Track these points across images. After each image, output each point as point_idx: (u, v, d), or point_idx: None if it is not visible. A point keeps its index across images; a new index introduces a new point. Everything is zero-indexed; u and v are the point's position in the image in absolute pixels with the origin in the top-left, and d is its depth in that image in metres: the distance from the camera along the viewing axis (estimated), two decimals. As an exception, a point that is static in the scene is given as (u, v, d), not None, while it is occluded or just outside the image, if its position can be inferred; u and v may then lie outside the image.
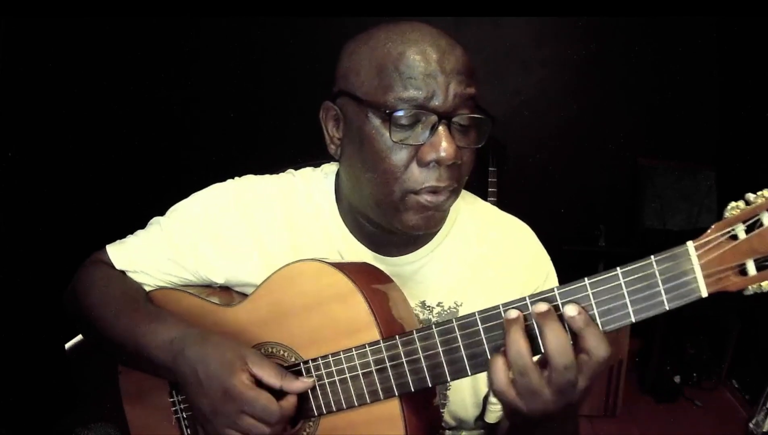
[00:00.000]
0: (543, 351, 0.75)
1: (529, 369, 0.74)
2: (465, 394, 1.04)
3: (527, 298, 0.77)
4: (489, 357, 0.79)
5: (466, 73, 0.89)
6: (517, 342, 0.75)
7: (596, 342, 0.73)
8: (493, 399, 1.04)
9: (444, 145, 0.86)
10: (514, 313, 0.76)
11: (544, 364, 0.75)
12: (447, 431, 1.09)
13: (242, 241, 1.04)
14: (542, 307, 0.74)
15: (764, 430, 2.47)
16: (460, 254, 1.05)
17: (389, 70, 0.88)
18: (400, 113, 0.87)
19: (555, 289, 0.77)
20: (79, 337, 1.21)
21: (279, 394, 0.88)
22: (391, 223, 0.94)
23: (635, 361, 2.99)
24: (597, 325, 0.75)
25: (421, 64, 0.87)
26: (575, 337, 0.75)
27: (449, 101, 0.87)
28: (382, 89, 0.88)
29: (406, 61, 0.87)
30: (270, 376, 0.87)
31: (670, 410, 2.86)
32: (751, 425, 2.56)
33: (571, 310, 0.74)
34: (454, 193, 0.93)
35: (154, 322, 0.97)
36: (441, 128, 0.87)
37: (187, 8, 2.68)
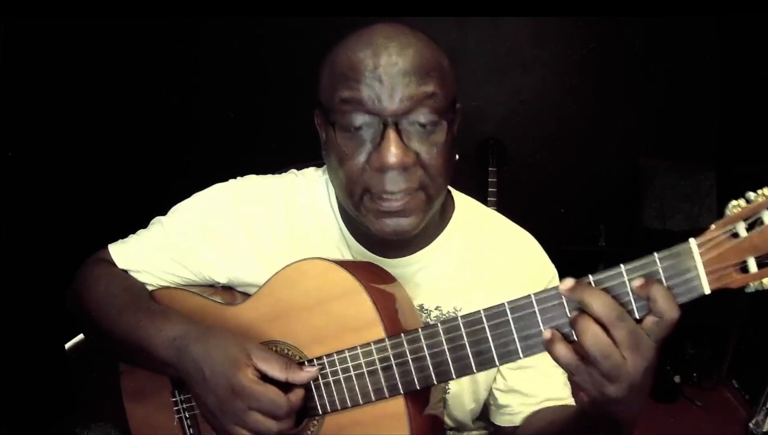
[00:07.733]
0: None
1: (611, 348, 0.70)
2: (464, 399, 1.04)
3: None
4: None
5: (418, 73, 0.86)
6: (591, 328, 0.71)
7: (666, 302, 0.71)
8: (503, 402, 1.04)
9: (391, 151, 0.84)
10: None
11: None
12: (448, 432, 1.09)
13: (240, 241, 1.04)
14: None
15: (764, 430, 2.47)
16: (460, 258, 1.04)
17: (336, 75, 0.88)
18: (343, 118, 0.87)
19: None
20: (79, 337, 1.21)
21: (285, 387, 0.87)
22: (365, 226, 0.93)
23: (635, 361, 2.99)
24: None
25: (364, 67, 0.85)
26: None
27: (396, 104, 0.85)
28: (331, 94, 0.88)
29: (351, 65, 0.86)
30: (274, 369, 0.86)
31: (670, 410, 2.85)
32: (751, 425, 2.56)
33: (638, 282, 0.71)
34: (425, 194, 0.90)
35: (158, 319, 0.96)
36: (388, 132, 0.85)
37: (189, 8, 2.67)
